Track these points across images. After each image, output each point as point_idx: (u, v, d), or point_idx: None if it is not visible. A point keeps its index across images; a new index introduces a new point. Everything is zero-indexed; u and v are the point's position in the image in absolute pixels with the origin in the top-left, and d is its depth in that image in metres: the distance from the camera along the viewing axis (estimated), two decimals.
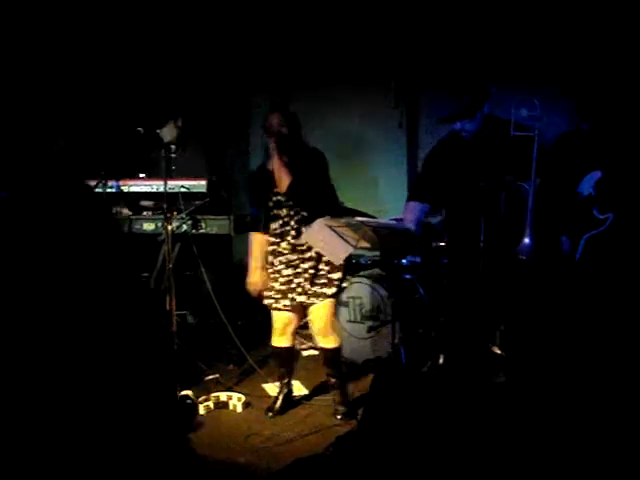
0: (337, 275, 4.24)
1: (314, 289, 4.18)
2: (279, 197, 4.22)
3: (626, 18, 4.99)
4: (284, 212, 4.22)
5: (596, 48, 5.12)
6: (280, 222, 4.25)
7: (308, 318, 4.37)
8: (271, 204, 4.25)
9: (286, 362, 4.48)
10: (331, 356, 4.38)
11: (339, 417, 4.30)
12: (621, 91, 4.25)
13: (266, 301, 4.32)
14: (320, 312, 4.24)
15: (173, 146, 5.23)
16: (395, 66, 6.25)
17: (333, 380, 4.40)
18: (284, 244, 4.24)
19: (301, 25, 6.44)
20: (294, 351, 4.61)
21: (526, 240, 3.84)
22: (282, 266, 4.25)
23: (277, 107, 4.24)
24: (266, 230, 4.32)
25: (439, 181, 4.25)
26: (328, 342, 4.33)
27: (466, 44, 5.83)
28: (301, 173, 4.13)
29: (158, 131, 5.06)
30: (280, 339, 4.39)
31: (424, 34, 6.02)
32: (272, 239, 4.31)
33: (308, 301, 4.20)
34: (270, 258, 4.32)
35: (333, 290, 4.24)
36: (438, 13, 5.90)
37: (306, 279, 4.19)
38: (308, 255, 4.19)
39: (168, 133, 5.15)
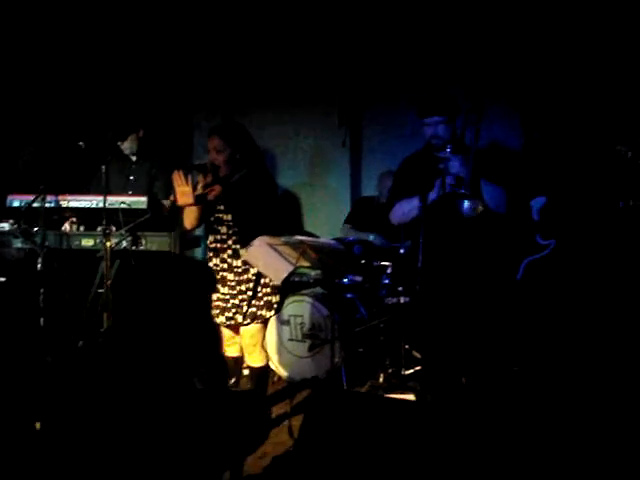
0: (276, 298, 4.24)
1: (251, 310, 4.13)
2: (221, 214, 4.17)
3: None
4: (223, 229, 4.16)
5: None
6: (217, 237, 4.18)
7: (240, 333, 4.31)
8: (212, 218, 4.20)
9: (234, 372, 4.47)
10: (257, 374, 4.35)
11: None
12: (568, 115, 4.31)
13: (212, 311, 4.28)
14: (252, 329, 4.21)
15: (134, 157, 5.28)
16: (339, 85, 6.28)
17: None
18: (217, 260, 4.19)
19: (243, 46, 6.45)
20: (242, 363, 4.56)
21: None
22: (219, 284, 4.20)
23: (214, 130, 4.08)
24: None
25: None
26: (255, 360, 4.30)
27: (410, 62, 5.91)
28: (244, 195, 4.04)
29: (119, 144, 5.10)
30: (229, 349, 4.42)
31: (368, 52, 6.08)
32: (207, 251, 4.29)
33: (245, 322, 4.15)
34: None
35: (271, 313, 4.23)
36: (382, 32, 5.97)
37: (242, 300, 4.13)
38: (246, 277, 4.12)
39: (129, 145, 5.20)
